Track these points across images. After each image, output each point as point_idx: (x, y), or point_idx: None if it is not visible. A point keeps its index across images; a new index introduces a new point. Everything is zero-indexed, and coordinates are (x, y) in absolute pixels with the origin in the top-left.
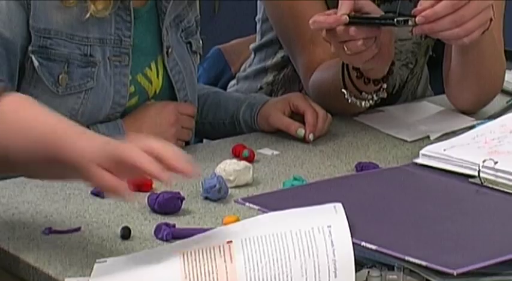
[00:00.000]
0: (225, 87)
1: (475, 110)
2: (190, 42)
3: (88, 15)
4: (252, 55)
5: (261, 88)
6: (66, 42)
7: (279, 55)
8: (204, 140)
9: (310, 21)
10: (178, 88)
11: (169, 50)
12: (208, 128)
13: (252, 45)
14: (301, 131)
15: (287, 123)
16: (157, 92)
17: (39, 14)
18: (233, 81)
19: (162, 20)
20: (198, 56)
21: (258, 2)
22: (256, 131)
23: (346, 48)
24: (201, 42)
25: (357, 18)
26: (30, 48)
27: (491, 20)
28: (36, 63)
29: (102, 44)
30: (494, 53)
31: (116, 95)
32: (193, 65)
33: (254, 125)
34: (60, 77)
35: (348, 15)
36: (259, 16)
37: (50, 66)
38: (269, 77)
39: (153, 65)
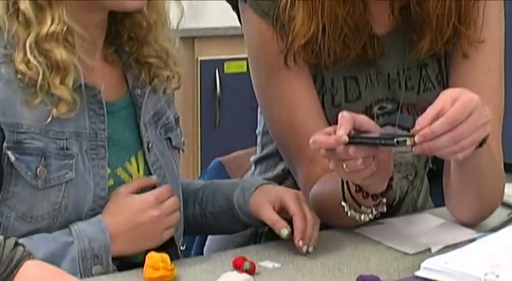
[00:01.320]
0: None
1: (476, 223)
2: (169, 138)
3: (50, 118)
4: (253, 167)
5: None
6: (41, 136)
7: (280, 167)
8: (205, 252)
9: (310, 141)
10: (160, 182)
11: (150, 145)
12: (211, 220)
13: (252, 158)
14: (284, 231)
15: (273, 221)
16: None
17: (8, 109)
18: None
19: (139, 115)
20: (179, 151)
21: (259, 115)
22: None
23: (345, 166)
24: (182, 138)
25: (357, 138)
26: (4, 144)
27: (488, 135)
28: (12, 158)
29: (78, 137)
30: (492, 167)
31: (96, 187)
32: (174, 160)
33: (247, 210)
34: (38, 170)
35: (348, 134)
36: (259, 129)
37: (26, 160)
38: None
39: (133, 160)
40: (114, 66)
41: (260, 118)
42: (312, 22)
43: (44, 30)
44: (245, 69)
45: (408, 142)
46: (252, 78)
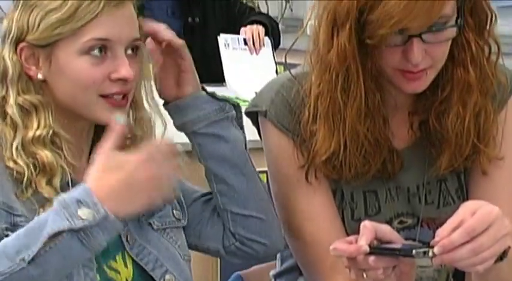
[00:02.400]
0: None
1: None
2: (150, 223)
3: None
4: None
5: None
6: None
7: None
8: None
9: (331, 248)
10: (153, 268)
11: (129, 241)
12: None
13: (272, 272)
14: None
15: None
16: (130, 279)
17: (3, 191)
18: None
19: None
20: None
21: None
22: None
23: (365, 276)
24: (174, 213)
25: (377, 249)
26: (3, 225)
27: (509, 247)
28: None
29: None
30: None
31: (86, 277)
32: (164, 237)
33: None
34: None
35: (369, 244)
36: None
37: None
38: None
39: (118, 257)
40: None
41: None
42: (333, 138)
43: (30, 134)
44: (265, 182)
45: (430, 254)
46: (271, 191)
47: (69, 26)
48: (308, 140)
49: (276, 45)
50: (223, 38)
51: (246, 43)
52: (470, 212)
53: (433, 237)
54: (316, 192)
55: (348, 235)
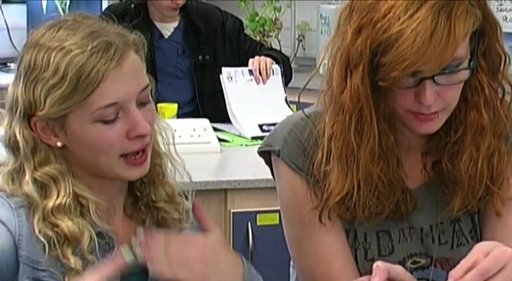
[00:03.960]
0: None
1: None
2: None
3: None
4: None
5: None
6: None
7: None
8: None
9: None
10: None
11: None
12: None
13: None
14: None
15: None
16: None
17: (29, 246)
18: None
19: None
20: None
21: (291, 269)
22: None
23: None
24: None
25: None
26: (24, 280)
27: None
28: None
29: None
30: None
31: None
32: None
33: None
34: None
35: None
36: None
37: None
38: None
39: None
40: (132, 218)
41: (292, 272)
42: (346, 179)
43: (50, 204)
44: (277, 222)
45: None
46: (284, 231)
47: (74, 100)
48: (321, 180)
49: (287, 80)
50: (226, 71)
51: (252, 74)
52: (484, 253)
53: (447, 278)
54: (330, 233)
55: (361, 275)
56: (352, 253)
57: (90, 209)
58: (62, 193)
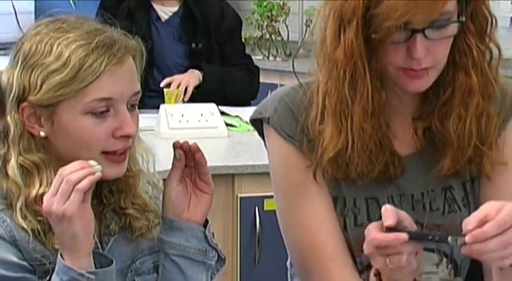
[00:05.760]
0: None
1: None
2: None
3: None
4: None
5: None
6: None
7: None
8: None
9: (369, 239)
10: None
11: None
12: None
13: None
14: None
15: None
16: None
17: (28, 246)
18: None
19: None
20: None
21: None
22: None
23: (388, 262)
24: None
25: (413, 234)
26: (38, 274)
27: None
28: None
29: None
30: None
31: None
32: None
33: None
34: None
35: (390, 226)
36: (289, 261)
37: None
38: None
39: None
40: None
41: (289, 267)
42: (340, 135)
43: (33, 193)
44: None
45: (458, 242)
46: (275, 204)
47: (72, 88)
48: (316, 139)
49: (244, 101)
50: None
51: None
52: (494, 209)
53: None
54: (315, 201)
55: (349, 243)
56: (341, 222)
57: None
58: (44, 183)
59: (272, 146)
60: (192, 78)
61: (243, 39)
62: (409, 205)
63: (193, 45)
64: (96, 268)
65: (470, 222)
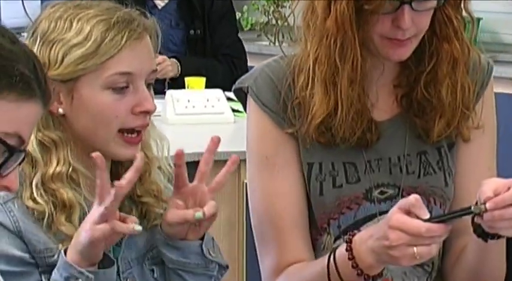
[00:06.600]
0: None
1: None
2: (153, 269)
3: (56, 256)
4: None
5: None
6: None
7: None
8: None
9: (424, 231)
10: None
11: None
12: None
13: None
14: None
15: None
16: None
17: (34, 238)
18: None
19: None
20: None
21: None
22: None
23: (417, 257)
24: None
25: (435, 218)
26: (40, 269)
27: None
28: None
29: None
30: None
31: None
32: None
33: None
34: None
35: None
36: None
37: None
38: None
39: None
40: None
41: None
42: (329, 101)
43: (50, 170)
44: None
45: (482, 208)
46: (247, 172)
47: (93, 61)
48: (302, 104)
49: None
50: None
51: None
52: (503, 185)
53: None
54: (280, 173)
55: (324, 208)
56: (317, 187)
57: (81, 183)
58: (61, 161)
59: (249, 114)
60: (171, 66)
61: (237, 26)
62: (387, 169)
63: (192, 31)
64: (98, 267)
65: (487, 191)
